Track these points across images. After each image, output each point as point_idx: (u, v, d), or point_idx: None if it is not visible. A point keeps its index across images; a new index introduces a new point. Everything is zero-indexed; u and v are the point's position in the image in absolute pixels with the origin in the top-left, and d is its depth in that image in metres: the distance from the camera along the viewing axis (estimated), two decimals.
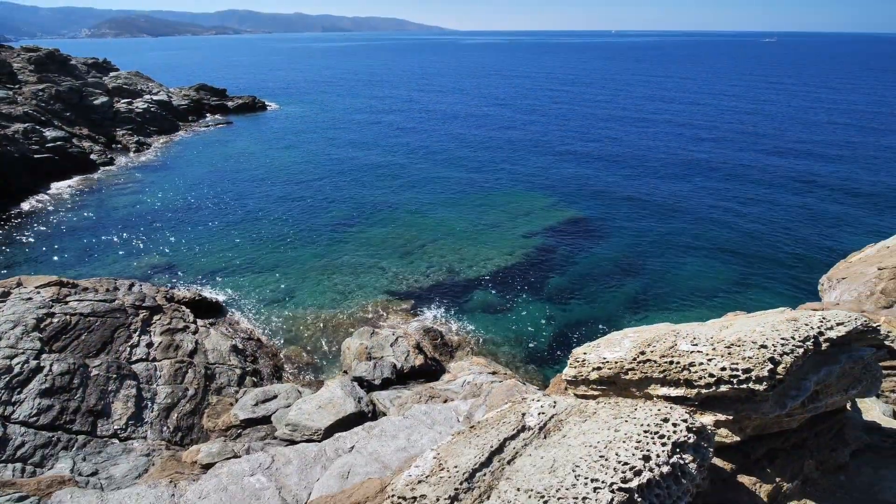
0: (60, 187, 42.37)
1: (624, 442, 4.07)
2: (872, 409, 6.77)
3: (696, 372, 4.67)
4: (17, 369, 14.72)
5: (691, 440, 4.07)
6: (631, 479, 3.70)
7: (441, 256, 30.55)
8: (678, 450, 3.96)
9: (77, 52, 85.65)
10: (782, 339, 4.58)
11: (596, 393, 5.50)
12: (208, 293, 25.82)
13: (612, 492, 3.63)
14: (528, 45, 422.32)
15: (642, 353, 5.13)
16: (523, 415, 4.96)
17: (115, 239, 33.09)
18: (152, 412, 15.51)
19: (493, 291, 26.82)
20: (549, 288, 27.22)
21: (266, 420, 15.39)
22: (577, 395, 5.73)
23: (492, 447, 4.52)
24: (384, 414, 14.75)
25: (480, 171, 48.35)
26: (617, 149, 56.49)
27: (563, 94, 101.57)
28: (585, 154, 54.47)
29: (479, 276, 28.32)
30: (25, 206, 38.09)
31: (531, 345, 22.86)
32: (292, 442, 13.46)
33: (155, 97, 69.54)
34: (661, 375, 4.89)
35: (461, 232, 34.17)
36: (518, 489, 3.93)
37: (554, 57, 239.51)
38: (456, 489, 4.12)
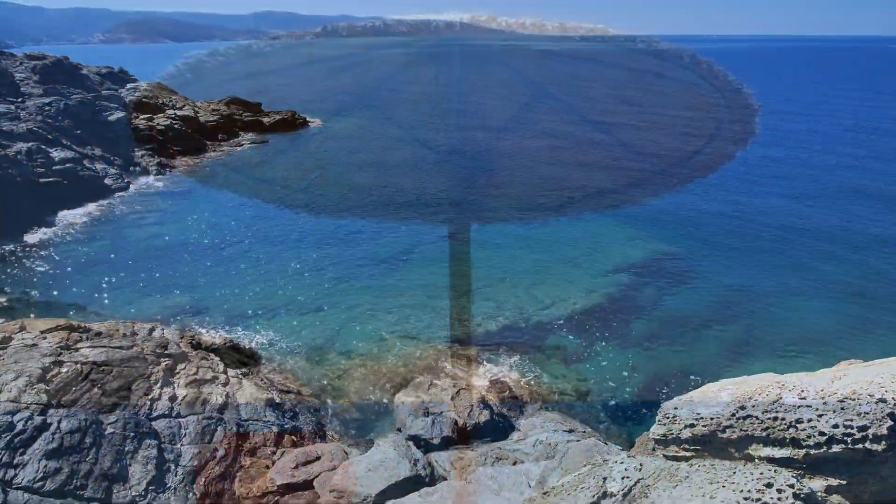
0: (70, 216, 42.35)
1: None
2: None
3: (803, 430, 4.69)
4: (19, 427, 14.62)
5: None
6: None
7: (510, 297, 30.46)
8: None
9: (89, 59, 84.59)
10: None
11: (688, 454, 5.55)
12: (240, 339, 26.10)
13: None
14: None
15: (742, 407, 5.18)
16: (604, 479, 5.08)
17: (133, 276, 33.30)
18: (176, 476, 15.62)
19: (570, 337, 26.63)
20: (634, 333, 26.80)
21: (308, 485, 15.58)
22: (666, 457, 5.79)
23: None
24: (444, 478, 14.84)
25: (552, 199, 48.14)
26: (708, 173, 55.31)
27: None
28: (672, 178, 53.61)
29: (553, 319, 28.17)
30: (30, 238, 38.12)
31: (613, 399, 22.51)
32: None
33: (179, 112, 69.76)
34: (764, 434, 4.93)
35: (532, 269, 33.98)
36: None
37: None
38: None
